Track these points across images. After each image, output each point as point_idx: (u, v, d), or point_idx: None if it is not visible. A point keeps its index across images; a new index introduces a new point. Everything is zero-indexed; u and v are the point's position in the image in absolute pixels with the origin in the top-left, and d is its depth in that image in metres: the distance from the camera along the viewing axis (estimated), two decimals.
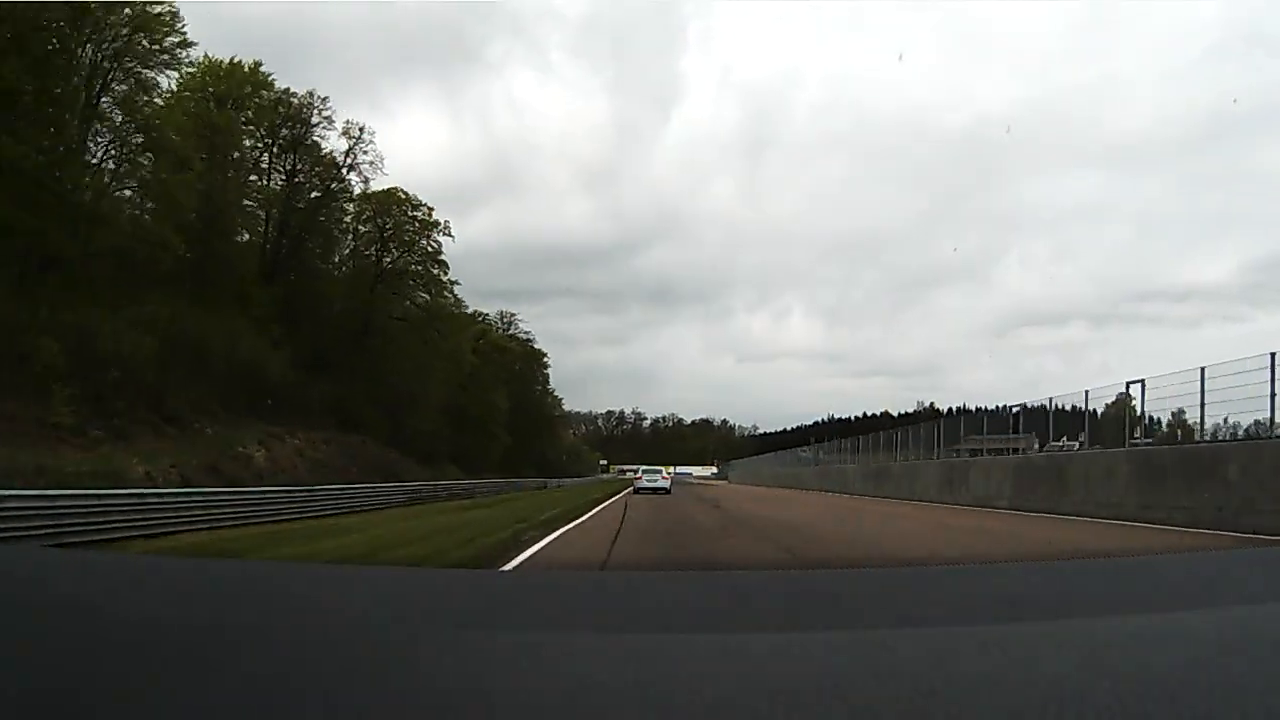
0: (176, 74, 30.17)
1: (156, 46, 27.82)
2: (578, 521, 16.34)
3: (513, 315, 70.96)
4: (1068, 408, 23.23)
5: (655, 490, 31.97)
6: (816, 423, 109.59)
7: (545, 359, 75.40)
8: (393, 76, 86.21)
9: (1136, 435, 19.58)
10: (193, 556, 7.89)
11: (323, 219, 41.41)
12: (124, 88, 27.17)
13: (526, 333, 71.98)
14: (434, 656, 1.41)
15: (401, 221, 44.96)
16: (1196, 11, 78.20)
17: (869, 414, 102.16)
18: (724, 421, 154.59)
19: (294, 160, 39.53)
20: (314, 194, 40.56)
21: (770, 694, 1.13)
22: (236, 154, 36.33)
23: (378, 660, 1.36)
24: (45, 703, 1.10)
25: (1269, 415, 14.91)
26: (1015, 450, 25.46)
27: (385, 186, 43.83)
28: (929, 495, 26.71)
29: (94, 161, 26.87)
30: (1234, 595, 2.08)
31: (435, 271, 47.00)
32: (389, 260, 45.26)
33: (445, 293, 48.54)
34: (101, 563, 3.92)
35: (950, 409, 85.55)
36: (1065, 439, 24.33)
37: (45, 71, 23.67)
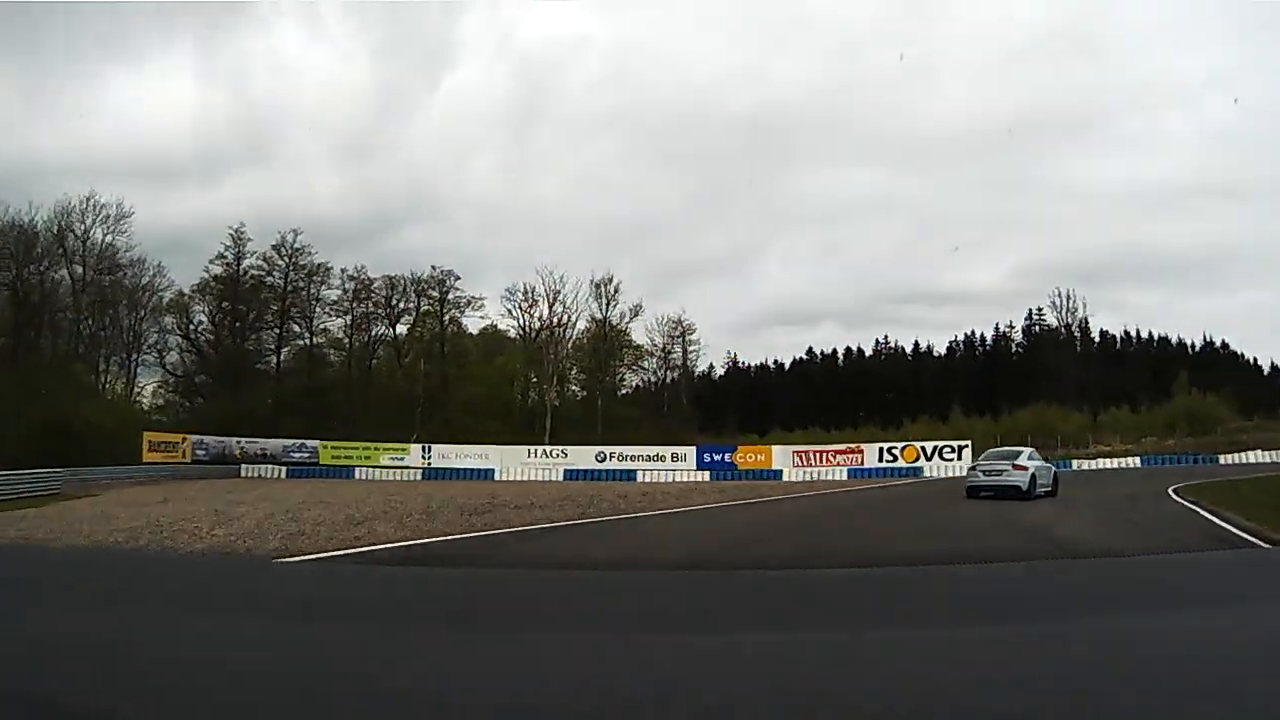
0: None
1: None
2: None
3: None
4: None
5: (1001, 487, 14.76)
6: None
7: None
8: (158, 23, 75.92)
9: None
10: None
11: None
12: None
13: None
14: (430, 655, 1.40)
15: None
16: (1011, 10, 77.04)
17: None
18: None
19: None
20: None
21: (770, 694, 1.13)
22: None
23: (370, 658, 1.35)
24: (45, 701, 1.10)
25: None
26: None
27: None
28: None
29: None
30: (1234, 595, 2.08)
31: None
32: None
33: None
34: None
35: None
36: None
37: None
